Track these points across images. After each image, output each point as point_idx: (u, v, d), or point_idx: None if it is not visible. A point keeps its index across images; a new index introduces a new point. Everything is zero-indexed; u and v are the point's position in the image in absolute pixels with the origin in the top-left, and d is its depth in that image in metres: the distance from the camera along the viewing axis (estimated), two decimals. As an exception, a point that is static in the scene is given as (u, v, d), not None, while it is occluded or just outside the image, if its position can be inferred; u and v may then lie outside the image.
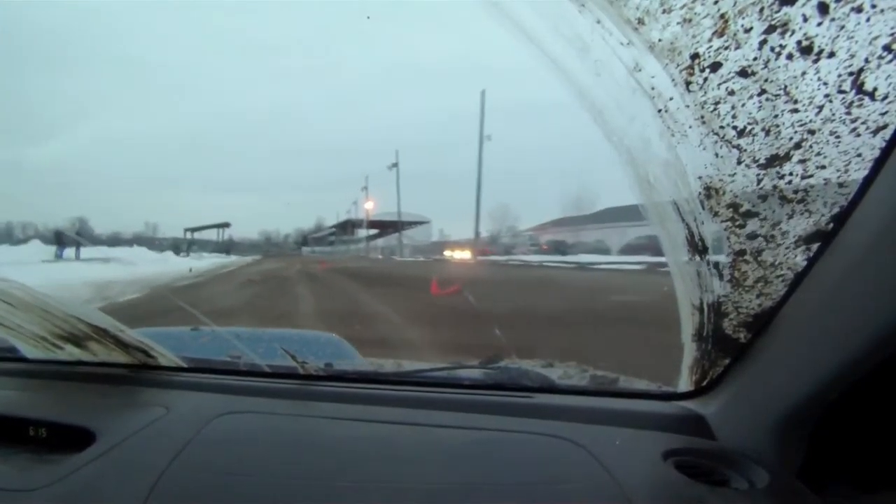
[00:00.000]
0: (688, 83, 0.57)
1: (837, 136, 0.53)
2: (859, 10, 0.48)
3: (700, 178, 0.63)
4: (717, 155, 0.60)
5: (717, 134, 0.59)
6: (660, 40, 0.56)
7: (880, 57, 0.48)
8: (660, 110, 0.60)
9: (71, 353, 0.89)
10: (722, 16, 0.53)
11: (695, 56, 0.56)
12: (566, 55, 0.61)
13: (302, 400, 0.84)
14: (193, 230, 40.16)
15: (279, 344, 0.94)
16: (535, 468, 0.64)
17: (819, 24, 0.49)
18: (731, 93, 0.56)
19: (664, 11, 0.55)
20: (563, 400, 0.86)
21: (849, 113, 0.51)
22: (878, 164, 0.51)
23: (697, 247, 0.68)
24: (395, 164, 37.53)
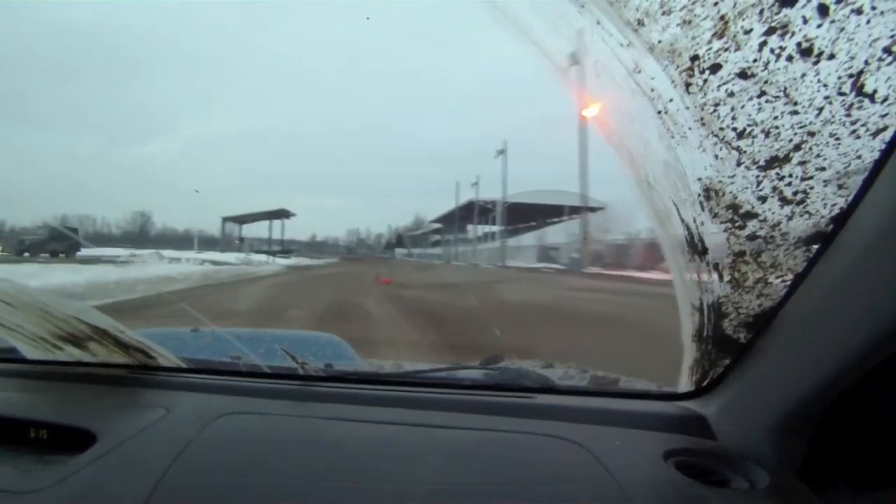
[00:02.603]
0: (688, 85, 0.57)
1: (837, 138, 0.53)
2: (859, 12, 0.48)
3: (700, 179, 0.63)
4: (716, 156, 0.60)
5: (716, 135, 0.59)
6: (659, 42, 0.56)
7: (880, 59, 0.48)
8: (659, 112, 0.61)
9: (71, 353, 0.89)
10: (722, 17, 0.53)
11: (695, 58, 0.56)
12: (566, 56, 0.61)
13: (302, 401, 0.84)
14: (235, 220, 30.06)
15: (279, 345, 0.94)
16: (536, 468, 0.64)
17: (819, 26, 0.49)
18: (731, 94, 0.56)
19: (664, 13, 0.55)
20: (564, 400, 0.86)
21: (848, 115, 0.51)
22: (878, 165, 0.51)
23: (697, 248, 0.68)
24: (503, 151, 32.94)
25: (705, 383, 0.79)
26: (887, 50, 0.48)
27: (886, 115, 0.50)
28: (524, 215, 37.11)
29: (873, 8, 0.47)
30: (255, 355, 0.97)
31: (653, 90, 0.60)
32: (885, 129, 0.50)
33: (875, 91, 0.49)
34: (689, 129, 0.60)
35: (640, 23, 0.56)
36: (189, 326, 1.32)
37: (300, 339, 1.39)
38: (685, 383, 0.83)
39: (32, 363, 0.91)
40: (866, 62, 0.49)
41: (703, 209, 0.64)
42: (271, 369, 0.93)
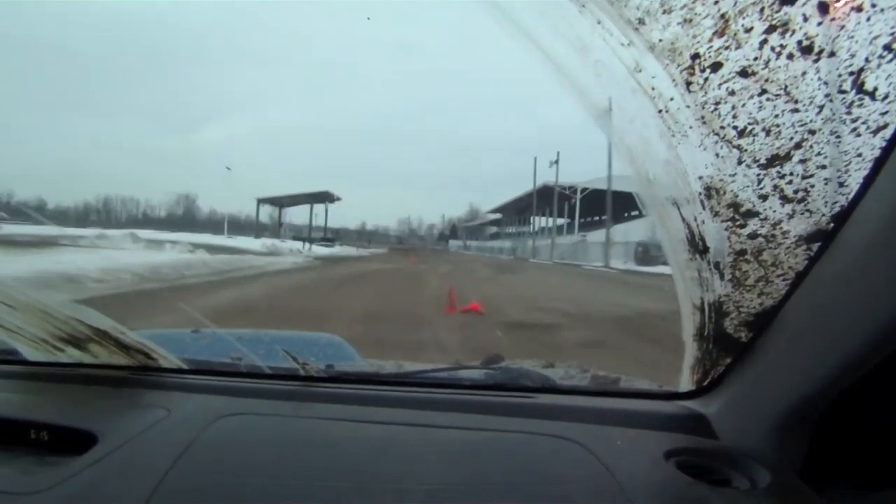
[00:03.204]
0: (688, 83, 0.57)
1: (838, 136, 0.53)
2: (859, 9, 0.48)
3: (700, 177, 0.63)
4: (717, 155, 0.60)
5: (717, 134, 0.59)
6: (660, 41, 0.56)
7: (881, 56, 0.48)
8: (660, 110, 0.60)
9: (72, 355, 0.89)
10: (722, 16, 0.53)
11: (695, 56, 0.56)
12: (566, 56, 0.61)
13: (303, 401, 0.84)
14: (271, 202, 26.81)
15: (280, 345, 0.94)
16: (537, 468, 0.64)
17: (819, 24, 0.49)
18: (732, 93, 0.56)
19: (664, 12, 0.55)
20: (565, 400, 0.86)
21: (849, 113, 0.51)
22: (879, 163, 0.51)
23: (698, 246, 0.68)
24: (556, 162, 32.42)
25: (706, 382, 0.79)
26: (887, 47, 0.48)
27: (887, 112, 0.50)
28: (600, 205, 31.45)
29: (873, 5, 0.47)
30: (256, 356, 0.97)
31: (653, 89, 0.60)
32: (885, 126, 0.50)
33: (875, 88, 0.49)
34: (690, 127, 0.60)
35: (641, 22, 0.56)
36: (189, 328, 1.32)
37: (301, 340, 1.39)
38: (686, 382, 0.83)
39: (33, 365, 0.91)
40: (867, 60, 0.49)
41: (703, 208, 0.64)
42: (272, 370, 0.93)
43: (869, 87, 0.50)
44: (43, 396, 0.87)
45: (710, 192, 0.63)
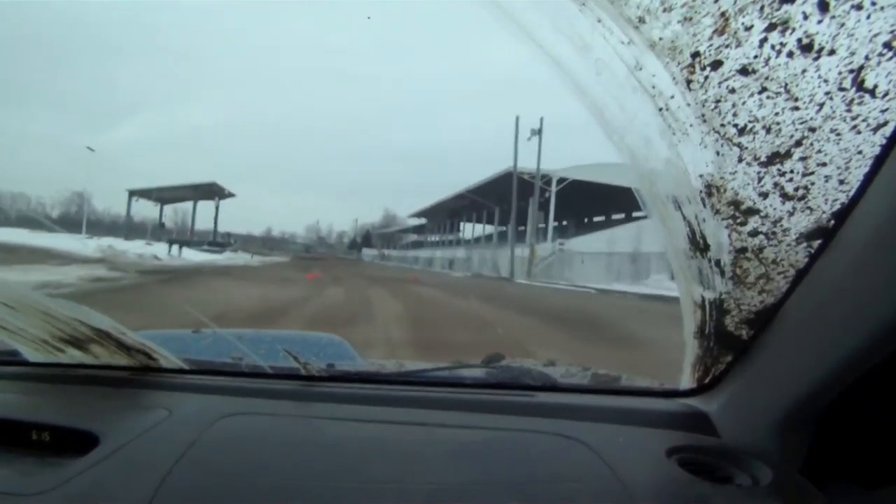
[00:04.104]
0: (689, 81, 0.57)
1: (838, 134, 0.53)
2: (859, 7, 0.48)
3: (701, 175, 0.63)
4: (718, 153, 0.60)
5: (717, 132, 0.59)
6: (660, 39, 0.56)
7: (881, 54, 0.48)
8: (661, 109, 0.61)
9: (73, 356, 0.89)
10: (722, 14, 0.53)
11: (695, 54, 0.56)
12: (567, 54, 0.61)
13: (304, 401, 0.84)
14: (144, 194, 21.35)
15: (281, 345, 0.94)
16: (538, 466, 0.64)
17: (819, 22, 0.50)
18: (732, 91, 0.56)
19: (665, 10, 0.55)
20: (566, 398, 0.87)
21: (849, 110, 0.51)
22: (879, 161, 0.51)
23: (699, 244, 0.68)
24: (538, 132, 22.67)
25: (707, 380, 0.79)
26: (888, 45, 0.48)
27: (887, 109, 0.50)
28: (582, 202, 24.23)
29: (873, 3, 0.47)
30: (257, 356, 0.97)
31: (654, 87, 0.60)
32: (885, 124, 0.50)
33: (876, 86, 0.49)
34: (691, 125, 0.60)
35: (641, 20, 0.56)
36: (190, 328, 1.32)
37: (301, 340, 1.39)
38: (687, 380, 0.83)
39: (34, 366, 0.91)
40: (867, 57, 0.49)
41: (704, 206, 0.64)
42: (273, 370, 0.93)
43: (869, 84, 0.50)
44: (44, 397, 0.87)
45: (710, 189, 0.63)
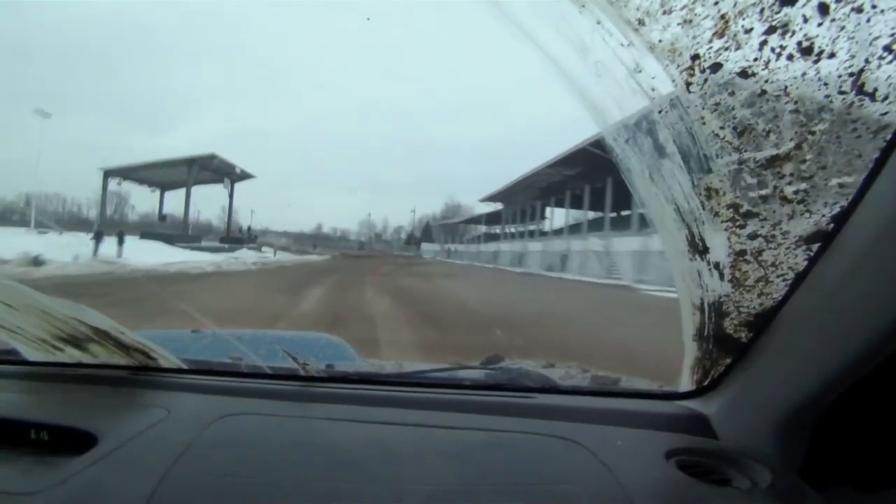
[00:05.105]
0: (688, 84, 0.57)
1: (838, 137, 0.53)
2: (860, 10, 0.48)
3: (701, 178, 0.63)
4: (717, 156, 0.60)
5: (717, 135, 0.59)
6: (660, 41, 0.57)
7: (880, 58, 0.48)
8: (660, 111, 0.61)
9: (72, 355, 0.89)
10: (722, 17, 0.53)
11: (695, 57, 0.56)
12: (567, 56, 0.61)
13: (303, 401, 0.84)
14: (121, 173, 17.25)
15: (280, 345, 0.94)
16: (537, 468, 0.64)
17: (819, 25, 0.50)
18: (732, 94, 0.56)
19: (664, 12, 0.55)
20: (565, 400, 0.86)
21: (849, 114, 0.51)
22: (879, 164, 0.51)
23: (698, 247, 0.68)
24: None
25: (706, 382, 0.79)
26: (887, 48, 0.48)
27: (887, 113, 0.50)
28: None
29: (873, 6, 0.48)
30: (256, 356, 0.97)
31: (653, 90, 0.60)
32: (885, 127, 0.50)
33: (875, 90, 0.50)
34: (690, 128, 0.60)
35: (641, 22, 0.56)
36: (190, 328, 1.32)
37: (301, 340, 1.39)
38: (686, 383, 0.83)
39: (33, 365, 0.91)
40: (866, 61, 0.49)
41: (704, 208, 0.64)
42: (272, 370, 0.93)
43: (869, 88, 0.50)
44: (43, 396, 0.87)
45: (710, 192, 0.63)
